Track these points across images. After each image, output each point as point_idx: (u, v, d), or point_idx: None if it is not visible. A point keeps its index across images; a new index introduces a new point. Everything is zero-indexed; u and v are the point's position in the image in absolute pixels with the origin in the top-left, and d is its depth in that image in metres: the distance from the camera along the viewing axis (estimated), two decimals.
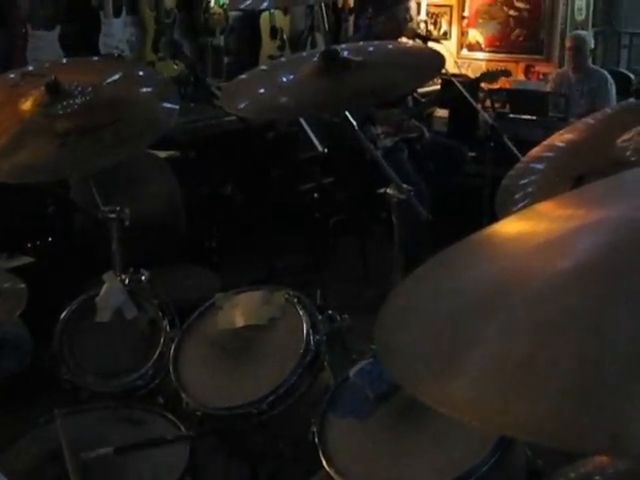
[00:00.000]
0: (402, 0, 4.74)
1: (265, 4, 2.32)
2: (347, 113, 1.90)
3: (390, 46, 2.22)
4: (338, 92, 1.83)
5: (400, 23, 4.59)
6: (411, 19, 4.89)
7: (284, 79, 2.05)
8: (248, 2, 2.50)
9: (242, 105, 2.10)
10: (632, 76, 6.07)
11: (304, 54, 2.44)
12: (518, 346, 0.65)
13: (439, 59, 2.06)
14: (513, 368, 0.63)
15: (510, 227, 0.95)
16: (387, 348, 0.76)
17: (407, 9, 4.78)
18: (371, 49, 2.22)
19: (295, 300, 1.98)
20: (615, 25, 7.29)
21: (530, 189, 1.65)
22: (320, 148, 4.74)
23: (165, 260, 3.21)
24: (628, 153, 1.46)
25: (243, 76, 2.25)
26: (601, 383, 0.56)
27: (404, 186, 1.96)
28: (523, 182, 1.67)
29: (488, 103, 5.43)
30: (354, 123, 1.93)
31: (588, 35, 5.80)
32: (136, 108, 2.22)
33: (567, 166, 1.63)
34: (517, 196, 1.63)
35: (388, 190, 1.97)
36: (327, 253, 4.26)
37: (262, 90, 2.10)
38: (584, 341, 0.61)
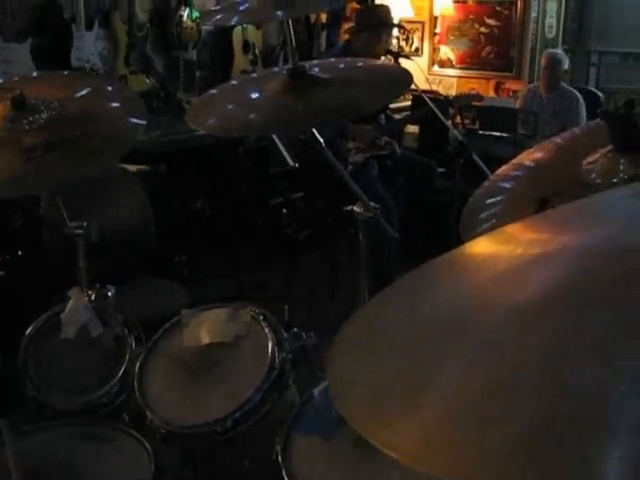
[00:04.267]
0: (388, 24, 4.79)
1: (235, 19, 2.32)
2: (314, 130, 1.90)
3: (358, 63, 2.22)
4: (304, 110, 1.84)
5: (381, 44, 4.62)
6: (391, 41, 4.95)
7: (252, 95, 2.05)
8: (218, 17, 2.49)
9: (210, 121, 2.10)
10: (600, 95, 6.14)
11: (275, 69, 2.44)
12: (471, 390, 0.61)
13: (406, 77, 2.08)
14: (465, 414, 0.59)
15: (478, 249, 0.92)
16: (337, 380, 0.72)
17: (390, 33, 4.83)
18: (340, 66, 2.23)
19: (261, 317, 1.98)
20: (584, 43, 7.39)
21: (495, 209, 1.65)
22: (291, 162, 4.75)
23: (134, 274, 3.20)
24: (593, 175, 1.46)
25: (213, 91, 2.25)
26: (551, 446, 0.53)
27: (371, 204, 1.97)
28: (490, 201, 1.68)
29: (458, 119, 5.48)
30: (321, 140, 1.94)
31: (564, 54, 5.81)
32: (103, 123, 2.22)
33: (533, 187, 1.63)
34: (482, 215, 1.63)
35: (355, 208, 1.98)
36: (296, 268, 4.27)
37: (230, 106, 2.10)
38: (536, 390, 0.57)
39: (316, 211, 4.26)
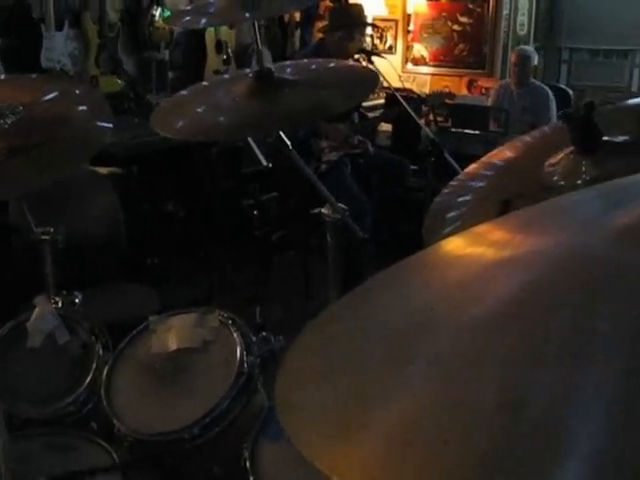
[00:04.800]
0: (362, 22, 4.79)
1: (203, 21, 2.30)
2: (281, 133, 1.89)
3: (327, 64, 2.21)
4: (271, 113, 1.82)
5: (354, 43, 4.61)
6: (364, 40, 4.95)
7: (220, 98, 2.03)
8: (186, 19, 2.48)
9: (179, 125, 2.08)
10: (570, 92, 6.18)
11: (246, 71, 2.43)
12: (423, 412, 0.57)
13: (374, 78, 2.07)
14: (420, 440, 0.55)
15: (449, 249, 0.88)
16: (285, 401, 0.66)
17: (364, 32, 4.83)
18: (309, 67, 2.22)
19: (229, 322, 1.97)
20: (556, 40, 7.43)
21: (462, 210, 1.63)
22: (265, 163, 4.74)
23: (106, 278, 3.17)
24: (555, 177, 1.45)
25: (183, 92, 2.23)
26: (509, 466, 0.50)
27: (339, 206, 1.96)
28: (457, 201, 1.66)
29: (431, 117, 5.50)
30: (288, 143, 1.92)
31: (533, 51, 5.88)
32: (69, 127, 2.19)
33: (498, 188, 1.62)
34: (450, 215, 1.61)
35: (323, 210, 1.97)
36: (269, 269, 4.26)
37: (198, 109, 2.08)
38: (494, 408, 0.54)
39: (288, 211, 4.25)
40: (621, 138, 1.42)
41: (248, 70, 2.09)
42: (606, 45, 7.19)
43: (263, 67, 1.91)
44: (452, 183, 1.72)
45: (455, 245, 0.89)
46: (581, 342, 0.56)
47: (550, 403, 0.53)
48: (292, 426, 0.63)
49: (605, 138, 1.39)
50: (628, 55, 7.29)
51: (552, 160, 1.44)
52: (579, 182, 1.40)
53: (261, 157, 4.76)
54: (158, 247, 4.03)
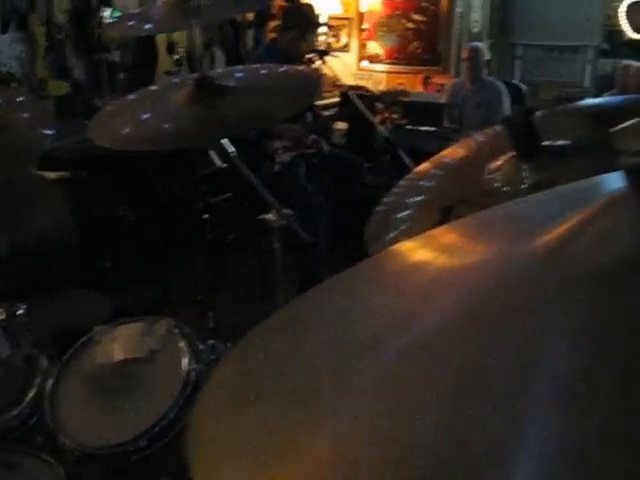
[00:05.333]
0: (313, 22, 4.77)
1: (145, 28, 2.27)
2: (225, 141, 1.86)
3: (269, 70, 2.19)
4: (210, 121, 1.80)
5: (307, 43, 4.60)
6: (317, 40, 4.94)
7: (161, 105, 2.00)
8: (129, 25, 2.44)
9: (119, 132, 2.04)
10: (523, 87, 6.23)
11: (188, 77, 2.40)
12: (353, 445, 0.53)
13: (317, 82, 2.06)
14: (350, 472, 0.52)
15: (393, 256, 0.82)
16: (197, 436, 0.60)
17: (315, 32, 4.82)
18: (252, 73, 2.20)
19: (176, 330, 1.94)
20: (509, 37, 7.48)
21: (409, 212, 1.60)
22: (219, 163, 4.70)
23: (56, 285, 3.11)
24: (497, 183, 1.43)
25: (130, 97, 2.19)
26: None
27: (285, 211, 1.95)
28: (405, 201, 1.63)
29: (387, 115, 5.51)
30: (231, 150, 1.90)
31: (483, 46, 5.92)
32: (9, 134, 2.15)
33: (440, 193, 1.59)
34: (398, 215, 1.58)
35: (268, 216, 1.95)
36: (224, 272, 4.22)
37: (142, 117, 2.05)
38: (432, 440, 0.50)
39: (242, 212, 4.21)
40: (560, 142, 1.41)
41: (195, 75, 2.06)
42: (558, 41, 7.26)
43: (203, 74, 1.88)
44: (402, 183, 1.70)
45: (404, 251, 0.83)
46: (523, 373, 0.53)
47: (493, 437, 0.49)
48: (200, 464, 0.57)
49: (545, 143, 1.38)
50: (579, 51, 7.38)
51: (493, 165, 1.43)
52: (521, 188, 1.38)
53: (216, 158, 4.72)
54: (110, 252, 3.97)
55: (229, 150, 1.87)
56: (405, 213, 1.59)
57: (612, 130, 1.32)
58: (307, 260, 3.55)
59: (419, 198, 1.61)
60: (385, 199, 1.63)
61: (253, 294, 4.18)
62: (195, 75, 1.96)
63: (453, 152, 1.73)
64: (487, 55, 5.84)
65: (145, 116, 1.96)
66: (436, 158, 1.71)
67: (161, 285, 3.99)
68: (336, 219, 4.38)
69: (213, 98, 1.84)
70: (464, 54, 5.83)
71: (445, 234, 0.82)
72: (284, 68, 2.15)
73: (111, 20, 5.21)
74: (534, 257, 0.62)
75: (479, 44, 5.98)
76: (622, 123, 1.56)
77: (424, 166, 1.72)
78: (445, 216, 1.38)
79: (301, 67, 2.35)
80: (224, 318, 3.25)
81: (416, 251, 0.80)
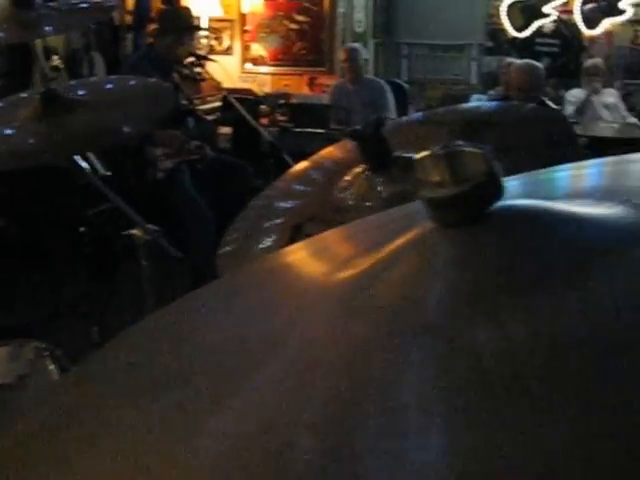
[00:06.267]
0: (191, 27, 4.73)
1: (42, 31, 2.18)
2: (77, 158, 1.81)
3: (123, 83, 2.13)
4: (56, 137, 1.73)
5: (184, 47, 4.54)
6: (196, 43, 4.90)
7: (5, 124, 1.91)
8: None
9: None
10: (406, 86, 6.35)
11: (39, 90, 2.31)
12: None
13: (169, 95, 2.02)
14: None
15: (274, 265, 0.77)
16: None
17: (193, 35, 4.78)
18: (103, 86, 2.14)
19: (46, 353, 1.89)
20: (394, 36, 7.60)
21: (275, 221, 1.56)
22: (103, 171, 4.60)
23: None
24: (350, 199, 1.41)
25: None
26: None
27: (150, 227, 1.92)
28: (275, 207, 1.59)
29: (274, 117, 5.53)
30: (83, 166, 1.85)
31: (360, 46, 6.03)
32: None
33: (294, 212, 1.52)
34: (266, 225, 1.53)
35: (133, 231, 1.92)
36: (110, 284, 4.13)
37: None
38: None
39: (121, 224, 4.13)
40: (412, 154, 1.42)
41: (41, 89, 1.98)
42: (443, 40, 7.42)
43: (49, 88, 1.82)
44: (276, 184, 1.67)
45: (288, 259, 0.79)
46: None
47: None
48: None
49: (396, 154, 1.39)
50: (464, 49, 7.56)
51: (343, 181, 1.41)
52: (378, 200, 1.38)
53: (99, 166, 4.62)
54: None
55: (82, 166, 1.83)
56: (274, 221, 1.54)
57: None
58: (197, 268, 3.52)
59: (279, 220, 1.54)
60: (254, 201, 1.60)
61: (138, 306, 4.11)
62: (42, 89, 1.89)
63: (331, 153, 1.72)
64: (365, 54, 5.94)
65: None
66: (315, 158, 1.70)
67: (49, 298, 3.88)
68: (223, 223, 4.35)
69: (60, 114, 1.77)
70: (342, 56, 5.92)
71: (287, 256, 0.80)
72: (134, 82, 2.09)
73: None
74: (340, 288, 0.61)
75: (356, 45, 6.09)
76: (486, 130, 1.58)
77: (302, 165, 1.70)
78: (294, 234, 1.36)
79: (153, 80, 2.27)
80: (108, 332, 3.18)
81: (307, 257, 0.76)
